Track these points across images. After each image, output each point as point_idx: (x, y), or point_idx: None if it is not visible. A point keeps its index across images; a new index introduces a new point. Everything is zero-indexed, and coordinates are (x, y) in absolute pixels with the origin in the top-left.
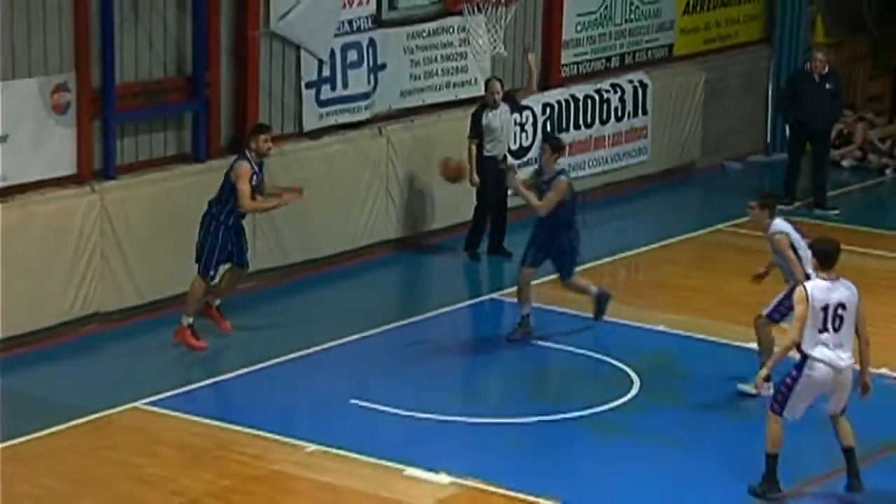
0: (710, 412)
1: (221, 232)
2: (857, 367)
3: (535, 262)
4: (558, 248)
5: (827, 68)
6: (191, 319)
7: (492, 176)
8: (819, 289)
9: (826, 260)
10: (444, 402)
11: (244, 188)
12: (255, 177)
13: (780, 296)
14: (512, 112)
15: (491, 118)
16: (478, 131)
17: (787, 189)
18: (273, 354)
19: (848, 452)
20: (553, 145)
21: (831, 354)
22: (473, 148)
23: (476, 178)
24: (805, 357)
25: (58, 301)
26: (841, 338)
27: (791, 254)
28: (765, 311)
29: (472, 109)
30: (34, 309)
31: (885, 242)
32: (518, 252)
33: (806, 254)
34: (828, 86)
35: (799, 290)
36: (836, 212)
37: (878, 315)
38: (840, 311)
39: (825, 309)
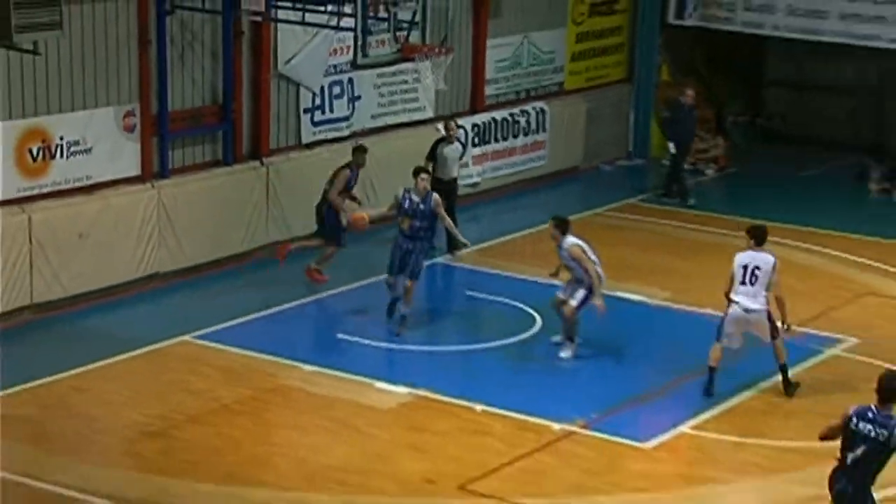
0: (592, 343)
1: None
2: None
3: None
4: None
5: (693, 101)
6: (314, 264)
7: (442, 191)
8: (744, 255)
9: (755, 237)
10: (404, 335)
11: (338, 184)
12: (351, 181)
13: (581, 293)
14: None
15: (446, 151)
16: (433, 157)
17: (677, 189)
18: (284, 301)
19: (782, 367)
20: (420, 169)
21: (744, 300)
22: (428, 167)
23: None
24: (730, 301)
25: (128, 264)
26: (753, 290)
27: (585, 259)
28: (573, 303)
29: (421, 128)
30: (112, 270)
31: (713, 221)
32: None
33: (595, 257)
34: (693, 113)
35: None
36: (693, 202)
37: (711, 271)
38: (756, 272)
39: (745, 268)
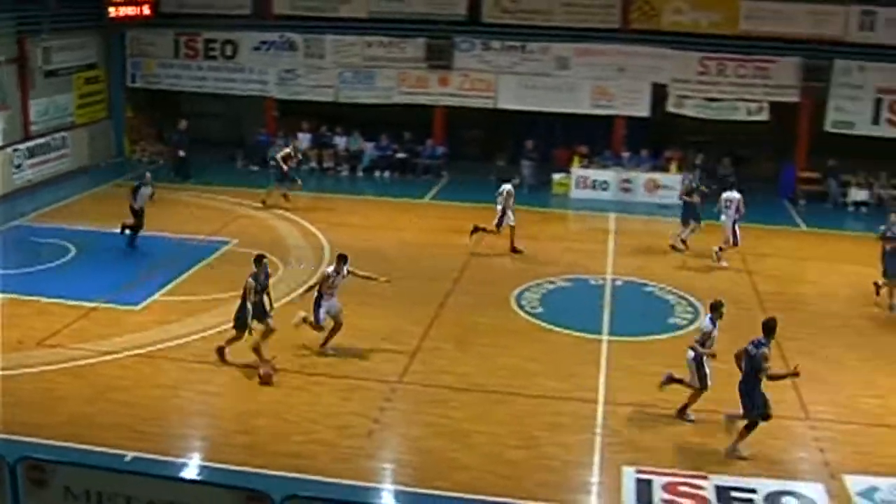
0: (119, 253)
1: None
2: None
3: None
4: None
5: (186, 127)
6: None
7: (138, 215)
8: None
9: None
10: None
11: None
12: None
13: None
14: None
15: (142, 191)
16: (134, 196)
17: (182, 173)
18: None
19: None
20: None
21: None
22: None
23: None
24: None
25: None
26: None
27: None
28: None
29: None
30: None
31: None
32: None
33: (329, 269)
34: (187, 134)
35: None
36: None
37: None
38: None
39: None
